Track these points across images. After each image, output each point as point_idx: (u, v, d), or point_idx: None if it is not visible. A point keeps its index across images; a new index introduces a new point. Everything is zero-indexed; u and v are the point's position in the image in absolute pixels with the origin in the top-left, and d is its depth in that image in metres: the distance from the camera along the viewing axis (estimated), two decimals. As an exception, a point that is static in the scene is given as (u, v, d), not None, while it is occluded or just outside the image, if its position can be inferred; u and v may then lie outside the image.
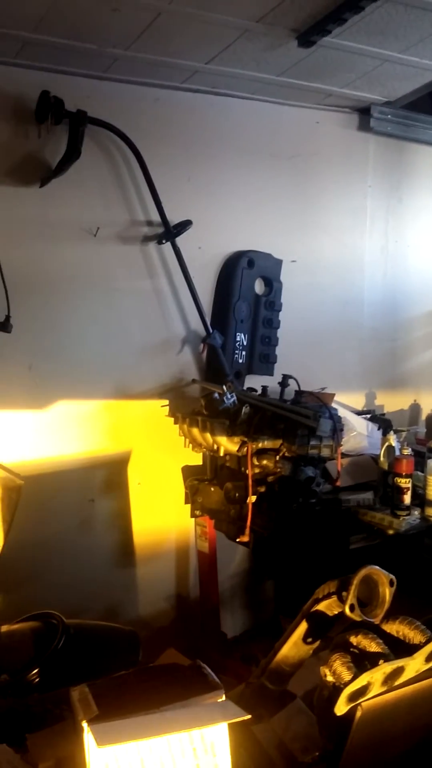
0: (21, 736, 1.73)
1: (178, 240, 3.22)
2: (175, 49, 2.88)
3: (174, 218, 3.21)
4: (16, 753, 1.63)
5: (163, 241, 3.25)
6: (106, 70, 3.04)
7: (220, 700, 1.51)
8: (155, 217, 3.21)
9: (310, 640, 1.92)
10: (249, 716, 1.46)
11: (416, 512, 2.80)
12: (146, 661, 2.34)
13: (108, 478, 3.28)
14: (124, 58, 2.92)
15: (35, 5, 2.48)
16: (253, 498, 2.72)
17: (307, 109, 3.64)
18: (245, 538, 2.74)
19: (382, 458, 2.91)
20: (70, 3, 2.45)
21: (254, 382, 3.39)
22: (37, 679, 2.00)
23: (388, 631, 1.74)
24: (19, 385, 2.98)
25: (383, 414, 3.90)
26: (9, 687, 1.96)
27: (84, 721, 1.43)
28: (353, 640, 1.70)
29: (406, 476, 2.76)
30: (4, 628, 2.14)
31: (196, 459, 3.16)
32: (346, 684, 1.58)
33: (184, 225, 3.20)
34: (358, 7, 2.52)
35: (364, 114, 3.74)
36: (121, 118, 3.08)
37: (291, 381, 3.09)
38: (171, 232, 3.20)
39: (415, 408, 4.13)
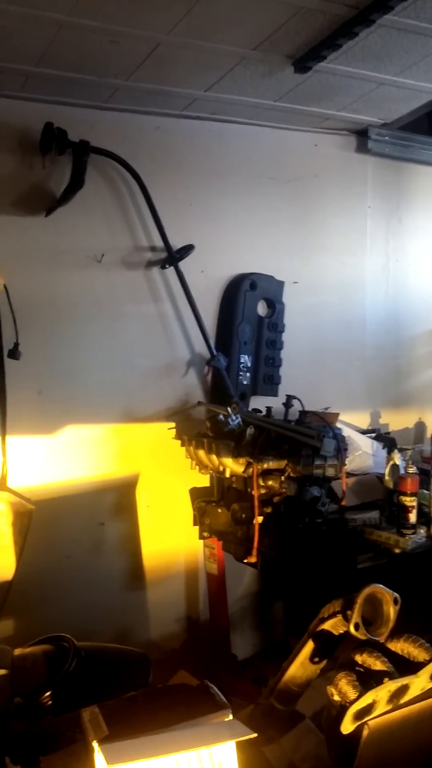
0: (35, 758, 1.75)
1: (181, 264, 3.27)
2: (174, 78, 2.95)
3: (177, 243, 3.27)
4: (28, 776, 1.65)
5: (167, 266, 3.30)
6: (107, 100, 3.12)
7: (227, 719, 1.53)
8: (158, 242, 3.27)
9: (317, 659, 1.93)
10: (255, 735, 1.47)
11: (422, 531, 2.80)
12: (157, 683, 2.35)
13: (117, 501, 3.30)
14: (124, 88, 2.99)
15: (37, 40, 2.55)
16: (260, 519, 2.73)
17: (305, 132, 3.70)
18: (253, 559, 2.74)
19: (387, 477, 2.92)
20: (71, 37, 2.52)
21: (259, 403, 3.42)
22: (49, 702, 2.02)
23: (393, 649, 1.75)
24: (29, 410, 3.02)
25: (388, 432, 3.91)
26: (22, 710, 1.98)
27: (94, 741, 1.44)
28: (358, 658, 1.71)
29: (411, 495, 2.77)
30: (17, 651, 2.16)
31: (204, 481, 3.18)
32: (352, 702, 1.59)
33: (187, 249, 3.25)
34: (352, 33, 2.57)
35: (361, 136, 3.80)
36: (123, 147, 3.15)
37: (295, 401, 3.11)
38: (174, 256, 3.25)
39: (420, 426, 4.13)
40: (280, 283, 3.63)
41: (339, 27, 2.56)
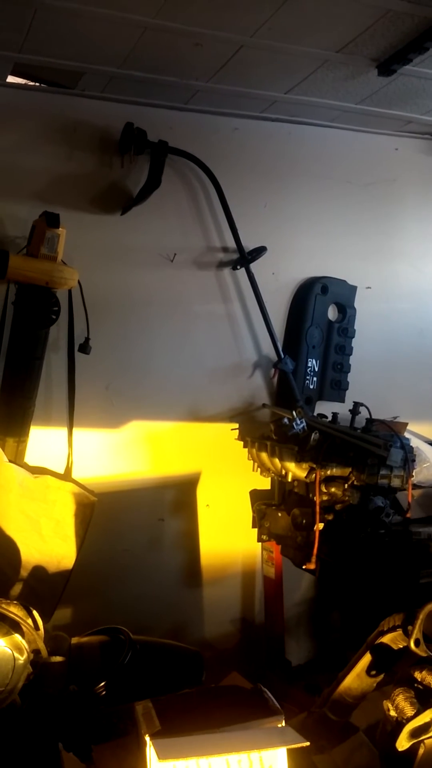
0: (87, 747, 1.78)
1: (253, 266, 3.27)
2: (255, 80, 2.96)
3: (249, 244, 3.27)
4: (82, 763, 1.68)
5: (238, 267, 3.30)
6: (187, 101, 3.15)
7: (279, 725, 1.52)
8: (231, 243, 3.28)
9: (374, 672, 1.89)
10: (308, 743, 1.45)
11: None
12: (209, 683, 2.35)
13: (177, 498, 3.33)
14: (205, 89, 3.01)
15: (123, 43, 2.60)
16: (321, 525, 2.70)
17: (385, 135, 3.65)
18: (311, 566, 2.71)
19: (455, 490, 2.84)
20: (155, 39, 2.56)
21: (325, 408, 3.38)
22: (103, 692, 2.05)
23: (455, 668, 1.70)
24: (96, 404, 3.07)
25: (458, 445, 3.80)
26: (77, 698, 2.01)
27: (147, 735, 1.46)
28: (417, 675, 1.67)
29: None
30: (74, 639, 2.20)
31: (265, 483, 3.17)
32: (409, 719, 1.56)
33: (259, 251, 3.25)
34: (440, 37, 2.53)
35: (445, 140, 3.72)
36: (201, 148, 3.18)
37: (362, 409, 3.05)
38: (246, 258, 3.26)
39: None
40: (353, 288, 3.59)
41: (427, 30, 2.51)
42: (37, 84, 2.97)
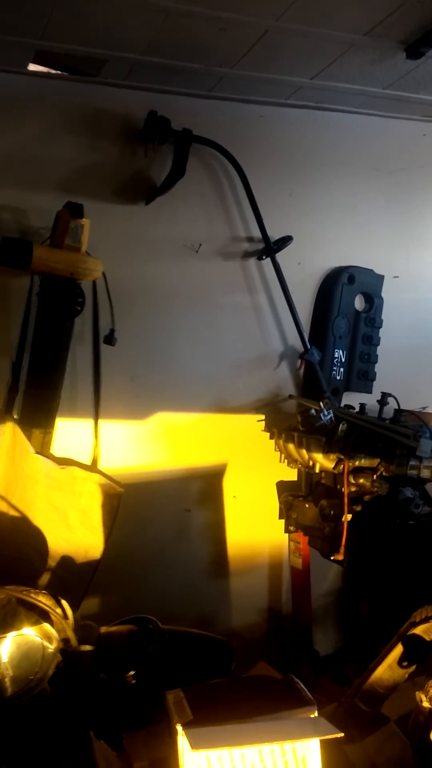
0: (118, 735, 1.79)
1: (279, 256, 3.24)
2: (280, 66, 2.92)
3: (275, 234, 3.24)
4: (112, 751, 1.68)
5: (264, 257, 3.28)
6: (211, 88, 3.12)
7: (312, 716, 1.51)
8: (256, 233, 3.25)
9: (405, 663, 1.88)
10: (341, 734, 1.44)
11: None
12: (237, 672, 2.35)
13: (204, 489, 3.32)
14: (229, 76, 2.98)
15: (146, 29, 2.58)
16: (349, 516, 2.68)
17: (413, 121, 3.59)
18: (340, 557, 2.69)
19: None
20: (179, 25, 2.53)
21: (352, 399, 3.35)
22: (133, 681, 2.05)
23: None
24: (121, 396, 3.07)
25: None
26: (107, 686, 2.02)
27: (179, 725, 1.46)
28: (452, 666, 1.65)
29: None
30: (103, 629, 2.21)
31: (292, 474, 3.15)
32: (444, 711, 1.53)
33: (285, 241, 3.22)
34: (470, 17, 2.47)
35: (474, 125, 3.65)
36: (225, 136, 3.14)
37: (390, 399, 3.02)
38: (271, 248, 3.23)
39: None
40: (380, 278, 3.54)
41: (456, 10, 2.46)
42: (59, 72, 2.96)
